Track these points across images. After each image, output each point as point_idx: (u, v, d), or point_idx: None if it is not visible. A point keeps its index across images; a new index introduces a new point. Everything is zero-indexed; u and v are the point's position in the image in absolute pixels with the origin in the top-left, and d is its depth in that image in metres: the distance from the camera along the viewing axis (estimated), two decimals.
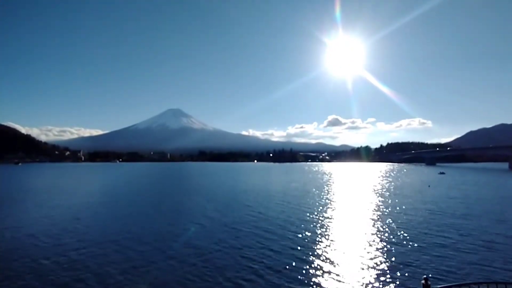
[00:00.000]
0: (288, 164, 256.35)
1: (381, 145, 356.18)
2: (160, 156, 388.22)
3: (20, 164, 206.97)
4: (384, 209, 25.34)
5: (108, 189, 45.85)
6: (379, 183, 54.22)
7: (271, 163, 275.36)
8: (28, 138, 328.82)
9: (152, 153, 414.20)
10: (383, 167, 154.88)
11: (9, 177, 76.24)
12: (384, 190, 42.30)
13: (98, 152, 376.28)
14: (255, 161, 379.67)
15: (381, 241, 15.36)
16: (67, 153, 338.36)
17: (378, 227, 18.49)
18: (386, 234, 16.71)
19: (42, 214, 23.91)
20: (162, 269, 11.66)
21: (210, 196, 35.32)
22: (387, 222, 20.09)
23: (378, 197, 34.00)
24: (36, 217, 22.54)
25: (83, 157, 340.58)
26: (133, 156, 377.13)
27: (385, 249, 13.94)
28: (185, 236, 16.82)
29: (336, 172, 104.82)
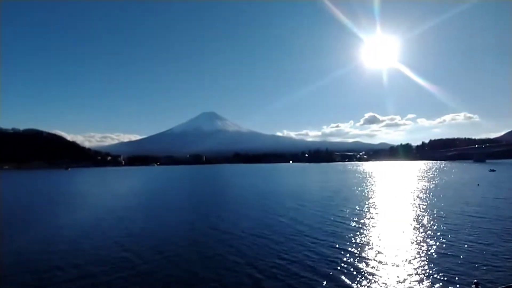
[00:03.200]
0: (324, 164, 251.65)
1: (423, 142, 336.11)
2: (196, 159, 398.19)
3: (69, 169, 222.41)
4: (429, 210, 24.10)
5: (150, 192, 48.04)
6: (422, 182, 51.25)
7: (306, 164, 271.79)
8: (74, 145, 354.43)
9: (188, 156, 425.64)
10: (425, 166, 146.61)
11: (64, 181, 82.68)
12: (428, 189, 40.08)
13: (136, 156, 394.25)
14: (290, 161, 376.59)
15: (427, 245, 14.68)
16: (109, 158, 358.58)
17: (423, 230, 17.68)
18: (433, 237, 15.94)
19: (100, 215, 25.73)
20: (200, 269, 12.13)
21: (248, 198, 35.78)
22: (433, 224, 19.17)
23: (422, 197, 32.34)
24: (92, 217, 24.33)
25: (123, 162, 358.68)
26: (169, 160, 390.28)
27: (432, 253, 13.37)
28: (230, 237, 17.22)
29: (375, 171, 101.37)
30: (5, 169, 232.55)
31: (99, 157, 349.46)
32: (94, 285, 10.59)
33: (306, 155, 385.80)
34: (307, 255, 13.55)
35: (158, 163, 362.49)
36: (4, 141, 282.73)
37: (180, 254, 13.89)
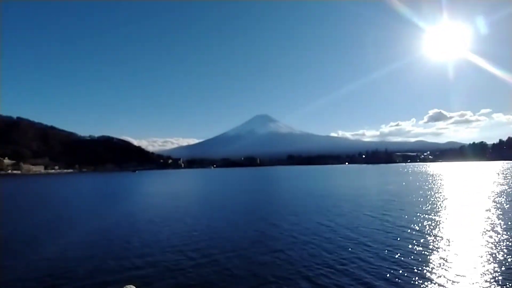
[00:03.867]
0: (383, 165, 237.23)
1: (500, 140, 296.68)
2: (250, 161, 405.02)
3: (136, 171, 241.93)
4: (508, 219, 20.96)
5: (208, 193, 49.96)
6: (502, 187, 44.06)
7: (364, 165, 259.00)
8: (139, 149, 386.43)
9: (242, 158, 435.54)
10: (504, 167, 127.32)
11: (132, 182, 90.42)
12: (509, 195, 34.65)
13: (194, 159, 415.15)
14: (346, 163, 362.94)
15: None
16: (170, 161, 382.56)
17: (504, 247, 15.09)
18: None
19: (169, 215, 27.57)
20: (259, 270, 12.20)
21: (301, 201, 35.30)
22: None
23: (502, 205, 28.21)
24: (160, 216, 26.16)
25: (182, 164, 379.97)
26: (225, 162, 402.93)
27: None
28: (288, 240, 17.08)
29: (442, 173, 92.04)
30: (84, 171, 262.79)
31: (161, 160, 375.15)
32: (141, 278, 11.19)
33: (363, 156, 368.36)
34: (361, 265, 12.70)
35: (215, 166, 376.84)
36: (83, 147, 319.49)
37: (229, 256, 14.17)
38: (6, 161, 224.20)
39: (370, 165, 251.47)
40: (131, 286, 3.67)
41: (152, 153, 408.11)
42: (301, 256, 13.60)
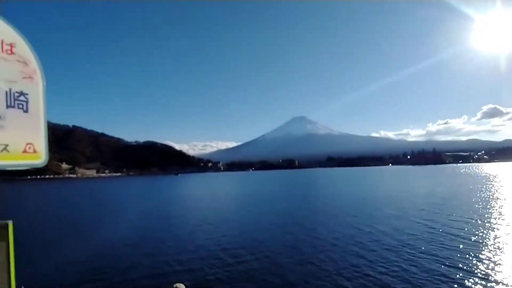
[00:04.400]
0: (430, 166, 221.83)
1: None
2: (289, 164, 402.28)
3: (179, 175, 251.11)
4: None
5: (247, 195, 50.36)
6: None
7: (409, 166, 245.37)
8: (181, 153, 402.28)
9: (280, 161, 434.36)
10: None
11: (176, 185, 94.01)
12: None
13: (233, 162, 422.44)
14: (389, 164, 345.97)
15: None
16: (210, 164, 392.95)
17: None
18: None
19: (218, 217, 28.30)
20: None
21: (341, 204, 34.25)
22: None
23: None
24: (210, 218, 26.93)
25: (222, 167, 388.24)
26: (263, 165, 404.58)
27: None
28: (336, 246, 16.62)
29: (501, 175, 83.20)
30: (131, 175, 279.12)
31: (202, 164, 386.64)
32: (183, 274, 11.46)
33: (408, 156, 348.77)
34: (405, 274, 11.92)
35: (253, 168, 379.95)
36: (130, 152, 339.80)
37: (265, 258, 14.10)
38: (64, 165, 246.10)
39: (416, 166, 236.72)
40: (181, 284, 3.78)
41: (193, 157, 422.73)
42: (338, 263, 13.13)
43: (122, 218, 28.84)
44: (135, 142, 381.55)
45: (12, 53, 1.12)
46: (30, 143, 1.14)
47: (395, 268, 12.15)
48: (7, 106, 1.08)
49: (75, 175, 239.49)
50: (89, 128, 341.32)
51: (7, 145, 1.07)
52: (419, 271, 11.73)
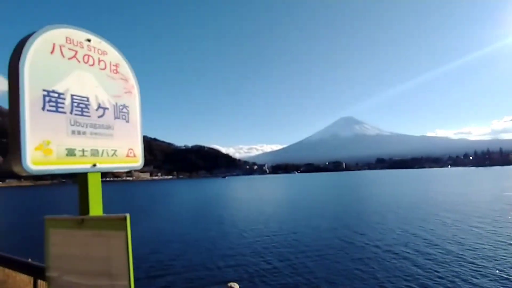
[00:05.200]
0: (497, 168, 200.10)
1: None
2: (335, 166, 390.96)
3: (226, 177, 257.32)
4: None
5: (294, 199, 49.82)
6: None
7: (472, 168, 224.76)
8: (227, 156, 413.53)
9: (327, 163, 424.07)
10: None
11: (227, 187, 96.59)
12: None
13: (279, 165, 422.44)
14: (448, 166, 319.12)
15: None
16: (255, 167, 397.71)
17: None
18: None
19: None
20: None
21: (392, 209, 32.36)
22: None
23: None
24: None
25: (267, 170, 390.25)
26: (309, 167, 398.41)
27: None
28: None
29: None
30: (181, 178, 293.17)
31: (247, 167, 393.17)
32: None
33: (471, 157, 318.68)
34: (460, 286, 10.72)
35: (299, 171, 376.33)
36: (179, 155, 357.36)
37: (317, 262, 13.77)
38: None
39: (480, 168, 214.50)
40: (235, 283, 3.89)
41: (239, 160, 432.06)
42: (386, 270, 12.34)
43: (177, 218, 30.26)
44: (184, 146, 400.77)
45: (117, 72, 1.33)
46: (131, 148, 1.36)
47: (452, 280, 11.06)
48: (115, 118, 1.28)
49: (131, 178, 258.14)
50: (143, 134, 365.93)
51: (116, 150, 1.28)
52: (478, 283, 10.53)
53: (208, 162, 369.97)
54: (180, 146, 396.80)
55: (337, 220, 25.30)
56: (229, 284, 4.06)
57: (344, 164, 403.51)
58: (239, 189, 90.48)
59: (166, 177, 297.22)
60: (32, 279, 6.38)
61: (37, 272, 1.40)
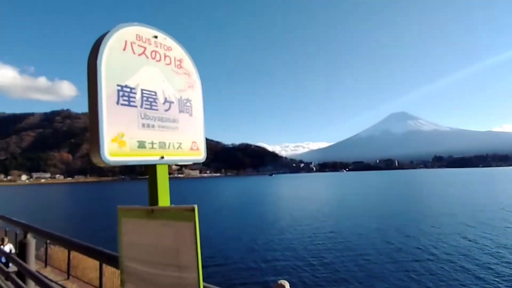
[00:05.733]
0: None
1: None
2: (387, 164, 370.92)
3: (273, 175, 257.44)
4: None
5: (343, 198, 48.84)
6: None
7: None
8: (273, 154, 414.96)
9: (377, 161, 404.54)
10: None
11: (276, 185, 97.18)
12: None
13: (326, 163, 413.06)
14: None
15: None
16: (302, 165, 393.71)
17: None
18: None
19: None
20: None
21: (451, 212, 30.15)
22: None
23: None
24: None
25: (314, 168, 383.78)
26: (358, 165, 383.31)
27: None
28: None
29: None
30: (228, 175, 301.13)
31: (294, 164, 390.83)
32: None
33: None
34: None
35: (347, 169, 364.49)
36: (227, 153, 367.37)
37: (366, 262, 13.54)
38: (174, 166, 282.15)
39: None
40: (285, 281, 4.22)
41: (285, 158, 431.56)
42: (441, 281, 11.64)
43: (226, 213, 31.46)
44: (232, 144, 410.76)
45: (181, 67, 1.37)
46: (195, 141, 1.37)
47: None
48: (179, 111, 1.32)
49: (182, 175, 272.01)
50: None
51: (181, 143, 1.31)
52: None
53: (255, 160, 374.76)
54: (227, 145, 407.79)
55: (387, 222, 24.21)
56: (279, 282, 4.25)
57: (396, 162, 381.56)
58: (286, 187, 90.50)
59: (214, 174, 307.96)
60: (98, 263, 7.43)
61: (103, 257, 1.51)
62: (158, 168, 1.20)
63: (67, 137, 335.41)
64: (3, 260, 4.22)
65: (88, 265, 8.47)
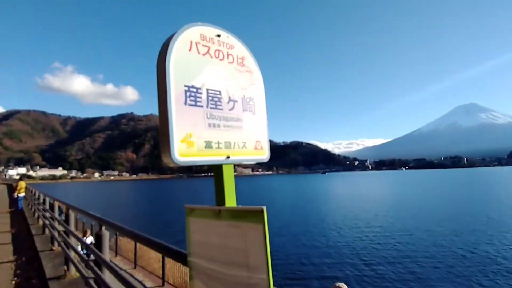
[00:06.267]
0: None
1: None
2: (454, 162, 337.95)
3: (326, 173, 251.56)
4: None
5: (405, 199, 45.92)
6: None
7: None
8: (326, 152, 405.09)
9: (442, 158, 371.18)
10: None
11: (329, 184, 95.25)
12: None
13: (383, 160, 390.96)
14: None
15: None
16: (356, 163, 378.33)
17: None
18: None
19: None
20: None
21: None
22: None
23: None
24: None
25: (370, 166, 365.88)
26: (420, 163, 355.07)
27: None
28: None
29: None
30: (280, 173, 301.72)
31: (348, 162, 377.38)
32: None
33: None
34: None
35: (407, 167, 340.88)
36: (279, 151, 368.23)
37: (421, 267, 12.53)
38: None
39: None
40: (343, 284, 4.09)
41: (338, 155, 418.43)
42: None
43: (279, 212, 31.52)
44: (283, 142, 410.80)
45: (243, 65, 1.36)
46: (259, 141, 1.35)
47: None
48: (243, 110, 1.31)
49: (235, 173, 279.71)
50: None
51: (245, 143, 1.29)
52: None
53: (307, 158, 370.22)
54: (279, 143, 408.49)
55: (454, 226, 22.01)
56: (337, 284, 4.08)
57: (465, 159, 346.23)
58: (340, 185, 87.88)
59: (266, 172, 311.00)
60: (161, 256, 7.97)
61: (165, 251, 1.59)
62: (224, 168, 1.20)
63: (131, 137, 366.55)
64: (85, 251, 4.72)
65: (151, 256, 9.12)
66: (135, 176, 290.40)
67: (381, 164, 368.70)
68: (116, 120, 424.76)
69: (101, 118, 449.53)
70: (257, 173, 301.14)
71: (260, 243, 0.90)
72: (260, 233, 0.90)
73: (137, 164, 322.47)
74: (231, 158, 1.20)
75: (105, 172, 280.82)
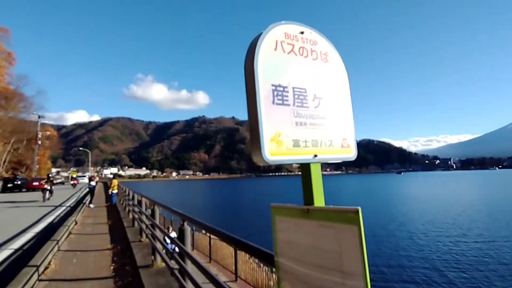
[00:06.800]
0: None
1: None
2: None
3: (402, 173, 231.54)
4: None
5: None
6: None
7: None
8: (400, 150, 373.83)
9: None
10: None
11: (407, 185, 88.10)
12: None
13: (470, 159, 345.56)
14: None
15: None
16: (437, 161, 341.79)
17: None
18: None
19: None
20: None
21: None
22: None
23: None
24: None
25: (454, 165, 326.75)
26: None
27: None
28: None
29: None
30: (350, 173, 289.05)
31: (427, 161, 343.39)
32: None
33: None
34: None
35: (500, 166, 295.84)
36: None
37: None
38: (294, 164, 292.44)
39: None
40: None
41: (415, 154, 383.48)
42: None
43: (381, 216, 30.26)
44: None
45: (327, 61, 1.35)
46: (345, 138, 1.32)
47: None
48: (328, 107, 1.30)
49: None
50: None
51: (332, 141, 1.27)
52: None
53: (378, 157, 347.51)
54: None
55: None
56: None
57: None
58: (420, 186, 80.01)
59: (335, 172, 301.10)
60: (233, 249, 8.26)
61: (237, 245, 1.61)
62: (312, 167, 1.19)
63: (203, 139, 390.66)
64: (169, 244, 5.20)
65: (225, 252, 9.59)
66: (207, 175, 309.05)
67: (468, 163, 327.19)
68: (190, 124, 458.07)
69: (177, 122, 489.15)
70: (325, 172, 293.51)
71: (355, 246, 0.86)
72: (356, 235, 0.86)
73: (209, 164, 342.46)
74: (319, 156, 1.19)
75: (181, 172, 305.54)
